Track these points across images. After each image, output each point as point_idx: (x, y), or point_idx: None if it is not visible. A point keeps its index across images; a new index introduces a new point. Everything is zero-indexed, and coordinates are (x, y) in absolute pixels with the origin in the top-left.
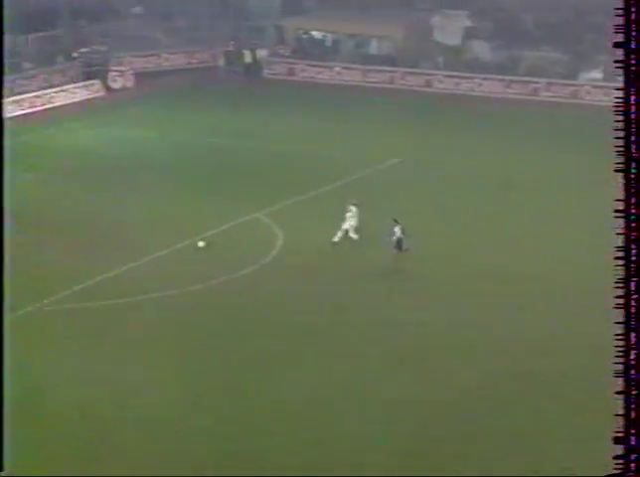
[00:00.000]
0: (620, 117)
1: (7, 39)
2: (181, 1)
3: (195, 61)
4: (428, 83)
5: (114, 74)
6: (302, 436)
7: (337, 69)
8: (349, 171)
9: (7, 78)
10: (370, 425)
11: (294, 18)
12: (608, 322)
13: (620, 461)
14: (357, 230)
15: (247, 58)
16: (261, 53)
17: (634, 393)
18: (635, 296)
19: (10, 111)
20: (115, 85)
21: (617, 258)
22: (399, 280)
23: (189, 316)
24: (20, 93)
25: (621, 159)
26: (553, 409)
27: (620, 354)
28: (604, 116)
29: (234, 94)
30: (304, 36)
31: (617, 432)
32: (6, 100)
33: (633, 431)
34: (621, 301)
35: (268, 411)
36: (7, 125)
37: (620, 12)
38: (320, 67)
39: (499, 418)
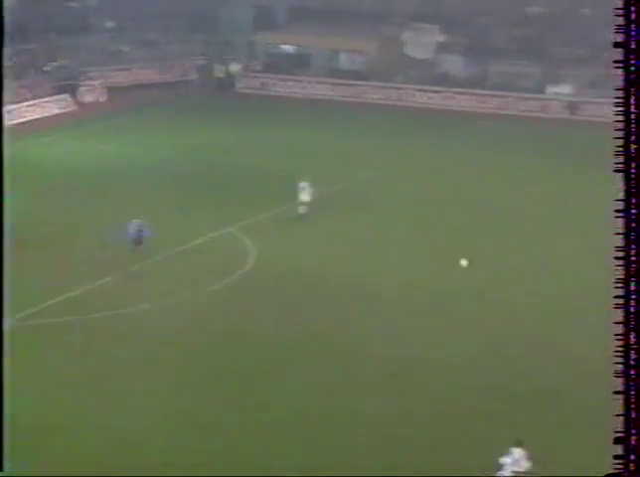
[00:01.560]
0: (620, 117)
1: None
2: (153, 15)
3: (167, 75)
4: (400, 98)
5: (85, 88)
6: (285, 450)
7: (309, 83)
8: (322, 185)
9: None
10: (349, 440)
11: (266, 32)
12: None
13: (620, 461)
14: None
15: (220, 72)
16: (234, 67)
17: (634, 393)
18: (635, 296)
19: None
20: (86, 100)
21: (617, 258)
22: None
23: (161, 330)
24: None
25: (621, 159)
26: (528, 424)
27: (620, 354)
28: (573, 130)
29: (206, 109)
30: (276, 50)
31: (617, 432)
32: None
33: (633, 431)
34: (621, 301)
35: (248, 426)
36: None
37: (620, 12)
38: (292, 81)
39: (478, 431)
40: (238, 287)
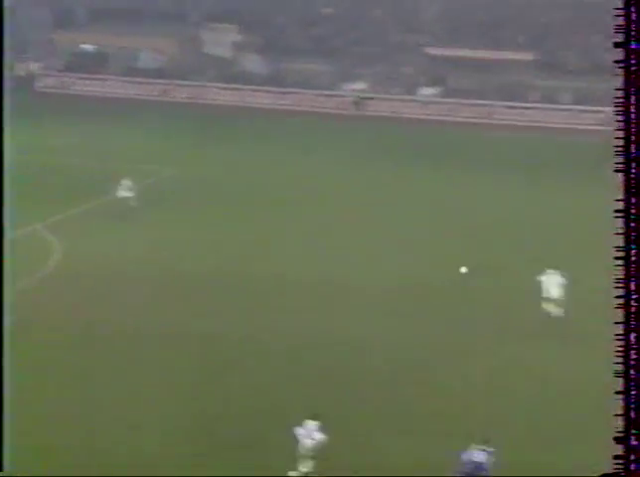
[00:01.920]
0: (620, 117)
1: None
2: None
3: None
4: (200, 96)
5: None
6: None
7: (108, 82)
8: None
9: None
10: None
11: (66, 31)
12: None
13: (620, 461)
14: None
15: (19, 71)
16: (33, 66)
17: (634, 393)
18: (635, 296)
19: None
20: None
21: (617, 258)
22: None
23: None
24: None
25: (621, 159)
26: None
27: (620, 354)
28: (370, 124)
29: (5, 108)
30: (76, 49)
31: (617, 432)
32: None
33: (633, 431)
34: (621, 301)
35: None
36: None
37: (620, 12)
38: (91, 80)
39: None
40: (45, 282)
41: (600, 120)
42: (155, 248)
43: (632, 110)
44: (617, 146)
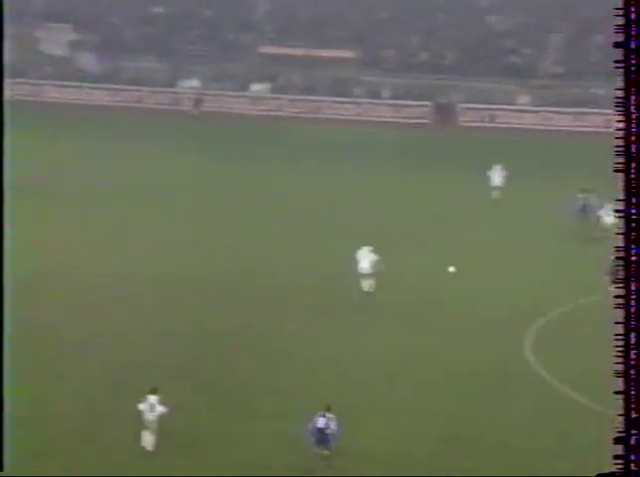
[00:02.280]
0: (621, 117)
1: None
2: None
3: None
4: (38, 93)
5: None
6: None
7: None
8: None
9: None
10: None
11: None
12: None
13: (620, 461)
14: None
15: None
16: None
17: (634, 393)
18: (635, 296)
19: None
20: None
21: (617, 258)
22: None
23: None
24: None
25: (621, 159)
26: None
27: (620, 354)
28: (206, 121)
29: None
30: None
31: (617, 432)
32: None
33: (633, 431)
34: (621, 301)
35: None
36: None
37: (620, 12)
38: None
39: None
40: None
41: (423, 114)
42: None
43: (632, 110)
44: (617, 146)
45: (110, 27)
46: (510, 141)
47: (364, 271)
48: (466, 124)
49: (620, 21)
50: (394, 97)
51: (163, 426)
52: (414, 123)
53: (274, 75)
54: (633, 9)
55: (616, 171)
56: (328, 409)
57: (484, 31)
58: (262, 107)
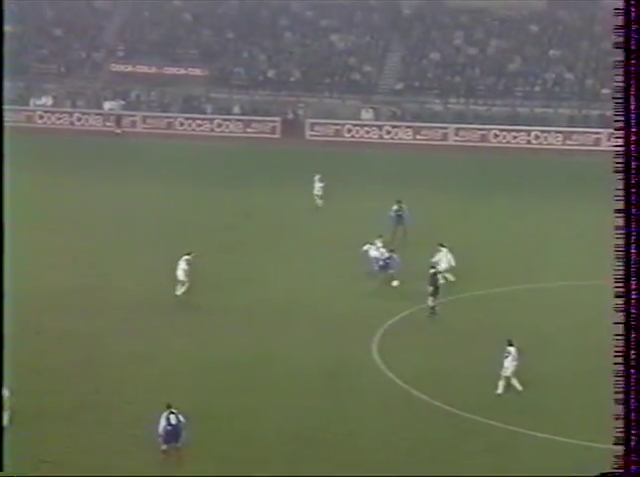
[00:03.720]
0: (620, 117)
1: None
2: None
3: None
4: None
5: None
6: None
7: None
8: None
9: None
10: None
11: None
12: None
13: (620, 461)
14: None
15: None
16: None
17: (634, 393)
18: (635, 296)
19: None
20: None
21: (617, 258)
22: None
23: None
24: None
25: (621, 159)
26: None
27: (620, 354)
28: (58, 138)
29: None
30: None
31: (617, 433)
32: None
33: (633, 432)
34: (621, 301)
35: None
36: None
37: (620, 12)
38: None
39: None
40: None
41: (272, 129)
42: None
43: (632, 110)
44: (617, 146)
45: None
46: (353, 154)
47: (180, 278)
48: (314, 138)
49: (620, 21)
50: (243, 114)
51: None
52: (264, 138)
53: (127, 92)
54: (633, 9)
55: (616, 171)
56: (170, 407)
57: (328, 49)
58: (113, 124)
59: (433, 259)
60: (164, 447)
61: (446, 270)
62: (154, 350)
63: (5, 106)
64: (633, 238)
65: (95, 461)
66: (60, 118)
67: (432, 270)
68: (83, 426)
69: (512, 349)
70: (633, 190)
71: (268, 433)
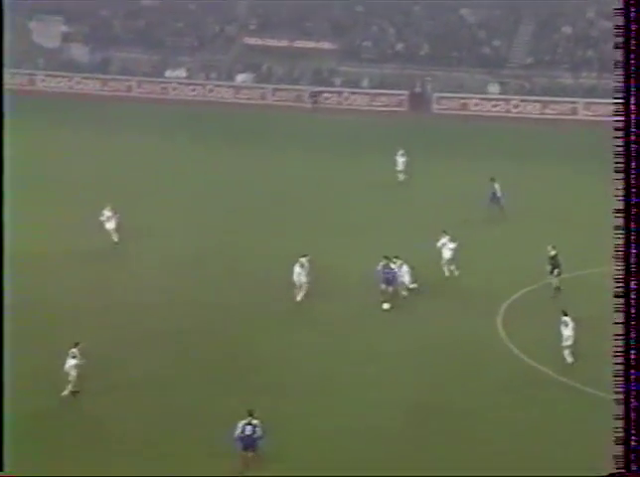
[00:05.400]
0: (620, 117)
1: None
2: None
3: None
4: (31, 82)
5: None
6: None
7: None
8: None
9: None
10: None
11: None
12: None
13: (620, 461)
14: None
15: None
16: None
17: (634, 393)
18: (635, 296)
19: None
20: None
21: (617, 258)
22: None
23: None
24: None
25: (621, 159)
26: None
27: (620, 354)
28: (193, 109)
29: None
30: None
31: (617, 433)
32: None
33: (633, 432)
34: (621, 301)
35: None
36: None
37: (620, 12)
38: None
39: None
40: None
41: (399, 102)
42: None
43: (632, 110)
44: (617, 146)
45: (100, 19)
46: (480, 127)
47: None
48: (440, 112)
49: (620, 21)
50: (371, 87)
51: None
52: (391, 111)
53: (258, 65)
54: (633, 9)
55: (616, 171)
56: (251, 415)
57: (457, 23)
58: (247, 96)
59: (438, 244)
60: (241, 452)
61: (449, 261)
62: None
63: (140, 78)
64: (633, 237)
65: None
66: (193, 90)
67: (552, 252)
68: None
69: (567, 318)
70: (633, 190)
71: (396, 402)
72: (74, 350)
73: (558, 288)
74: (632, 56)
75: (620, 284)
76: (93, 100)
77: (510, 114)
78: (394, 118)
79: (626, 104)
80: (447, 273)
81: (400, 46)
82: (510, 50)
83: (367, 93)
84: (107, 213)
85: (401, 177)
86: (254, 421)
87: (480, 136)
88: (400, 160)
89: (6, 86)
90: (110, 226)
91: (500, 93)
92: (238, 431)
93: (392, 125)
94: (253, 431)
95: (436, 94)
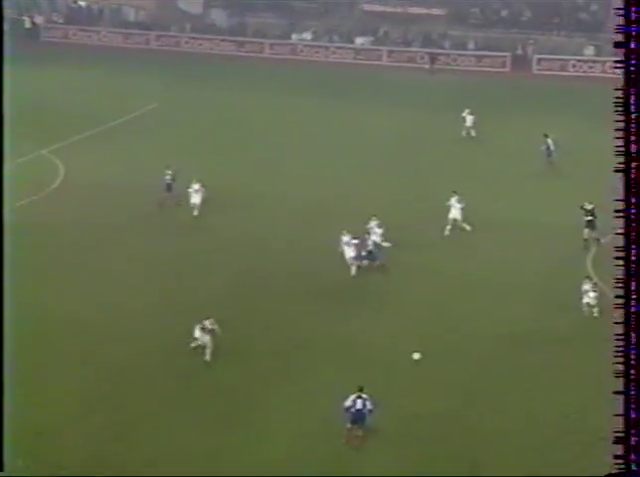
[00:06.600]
0: (621, 117)
1: None
2: None
3: None
4: (177, 44)
5: None
6: None
7: (102, 33)
8: (116, 115)
9: None
10: None
11: None
12: None
13: (620, 461)
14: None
15: (27, 24)
16: (38, 19)
17: (634, 393)
18: (635, 296)
19: None
20: None
21: (617, 258)
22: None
23: None
24: None
25: (621, 159)
26: None
27: (620, 354)
28: (318, 69)
29: (18, 56)
30: (74, 5)
31: (617, 432)
32: None
33: (633, 431)
34: (621, 301)
35: None
36: None
37: (620, 12)
38: (88, 31)
39: None
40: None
41: (502, 64)
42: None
43: (632, 110)
44: (617, 146)
45: None
46: (578, 88)
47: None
48: (540, 73)
49: (620, 21)
50: (477, 49)
51: None
52: (495, 72)
53: (375, 29)
54: (633, 9)
55: (616, 171)
56: (361, 390)
57: None
58: (365, 58)
59: (447, 203)
60: (348, 426)
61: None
62: None
63: (271, 41)
64: (633, 237)
65: None
66: (317, 52)
67: (589, 206)
68: None
69: (588, 286)
70: (633, 190)
71: (487, 333)
72: (205, 322)
73: (597, 240)
74: (632, 56)
75: (620, 284)
76: (230, 60)
77: (605, 75)
78: (497, 78)
79: (626, 104)
80: (447, 232)
81: (504, 12)
82: (607, 14)
83: (473, 55)
84: (195, 186)
85: (472, 132)
86: (364, 395)
87: (573, 95)
88: (469, 118)
89: (154, 48)
90: (196, 200)
91: (595, 55)
92: (348, 404)
93: (495, 85)
94: (364, 405)
95: (537, 56)
